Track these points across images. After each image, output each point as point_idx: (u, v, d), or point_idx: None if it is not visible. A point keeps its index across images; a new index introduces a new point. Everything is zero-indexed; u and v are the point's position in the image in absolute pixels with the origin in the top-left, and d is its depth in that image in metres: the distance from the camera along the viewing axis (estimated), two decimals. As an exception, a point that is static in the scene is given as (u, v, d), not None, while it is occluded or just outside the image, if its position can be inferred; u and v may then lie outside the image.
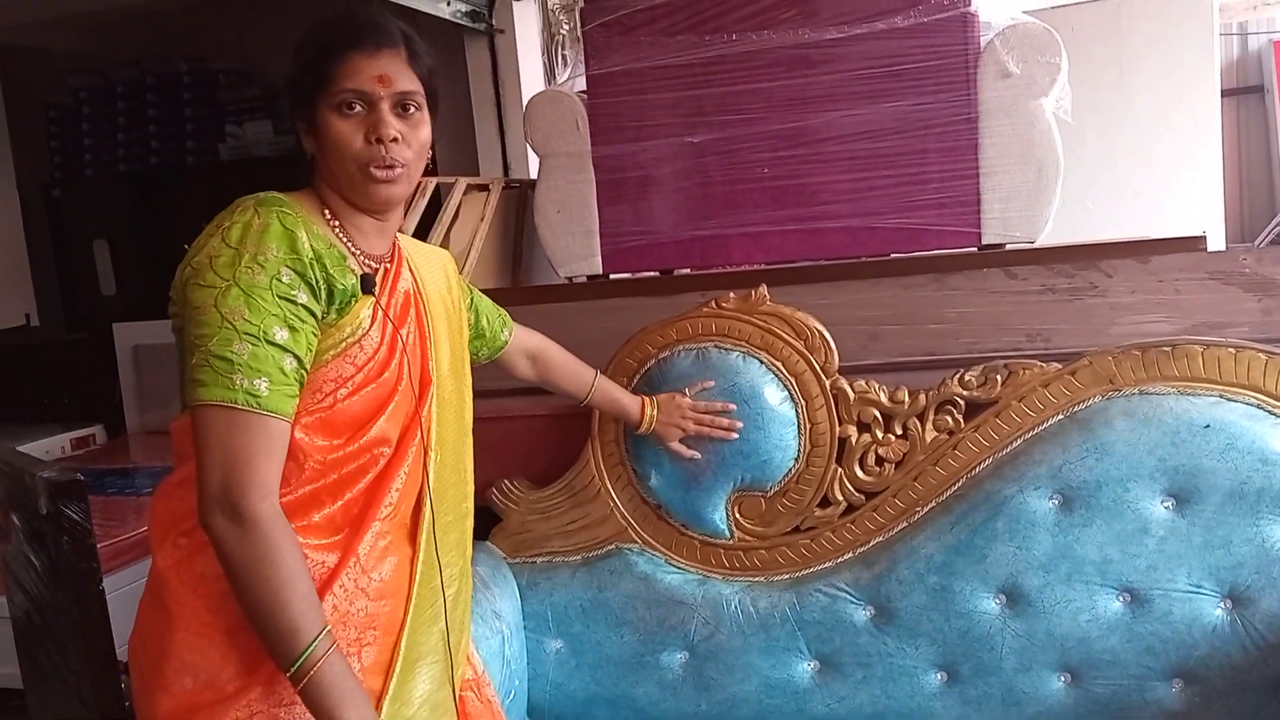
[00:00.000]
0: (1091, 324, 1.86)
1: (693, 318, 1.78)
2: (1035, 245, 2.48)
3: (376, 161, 1.15)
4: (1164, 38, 3.52)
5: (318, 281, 1.11)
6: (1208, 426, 1.55)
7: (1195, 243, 2.19)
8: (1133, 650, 1.58)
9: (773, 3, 2.62)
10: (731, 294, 1.76)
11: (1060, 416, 1.63)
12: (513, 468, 1.91)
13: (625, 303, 2.27)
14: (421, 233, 2.68)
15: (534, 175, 3.70)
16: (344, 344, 1.15)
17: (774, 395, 1.72)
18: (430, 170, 4.10)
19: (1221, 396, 1.56)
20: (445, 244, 2.75)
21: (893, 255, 2.60)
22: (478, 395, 2.10)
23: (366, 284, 1.17)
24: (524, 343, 1.64)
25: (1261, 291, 1.81)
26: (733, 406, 1.71)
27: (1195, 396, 1.57)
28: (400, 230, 1.33)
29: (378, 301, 1.19)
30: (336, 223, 1.19)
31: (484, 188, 3.00)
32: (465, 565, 1.35)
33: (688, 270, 2.87)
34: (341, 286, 1.13)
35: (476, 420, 1.97)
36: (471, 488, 1.39)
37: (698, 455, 1.72)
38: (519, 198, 3.18)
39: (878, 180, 2.57)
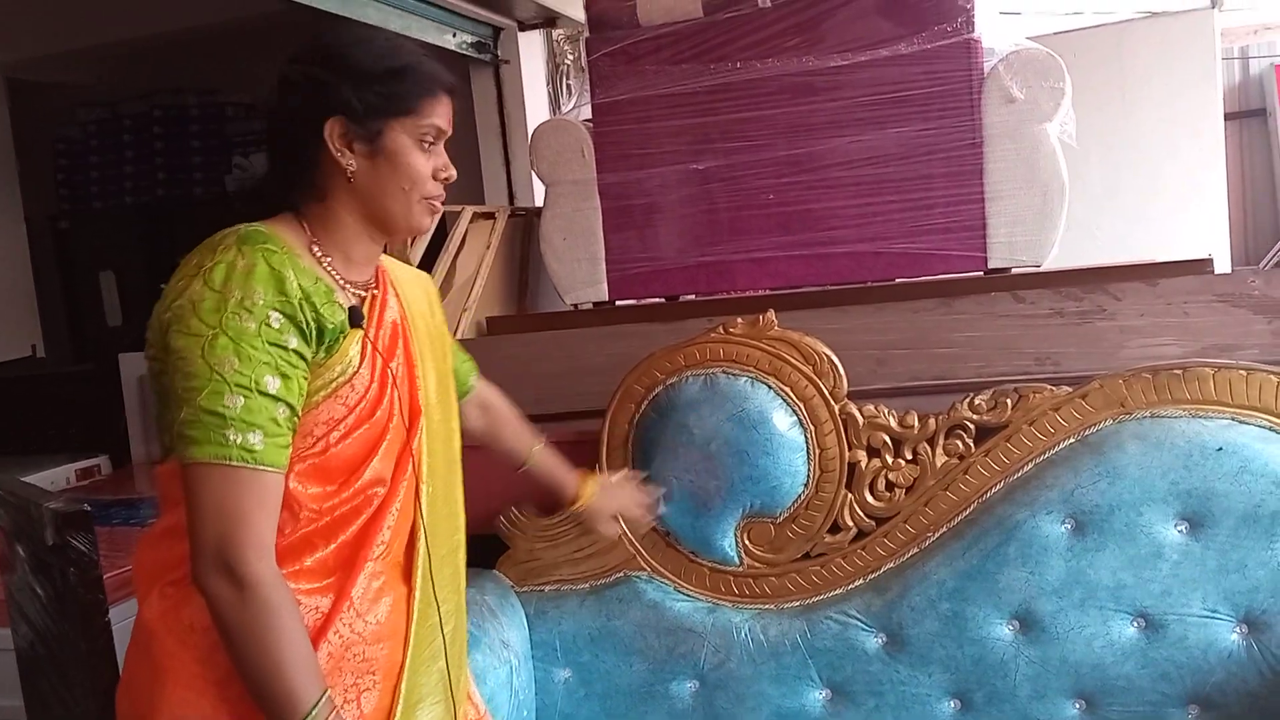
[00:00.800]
0: (1100, 347, 1.86)
1: (700, 343, 1.77)
2: (1042, 269, 2.48)
3: (437, 196, 1.18)
4: (1167, 63, 3.54)
5: (308, 323, 1.07)
6: (1220, 449, 1.53)
7: (1201, 265, 2.19)
8: (1148, 676, 1.56)
9: (777, 31, 2.64)
10: (739, 319, 1.76)
11: (1071, 440, 1.62)
12: (520, 494, 1.90)
13: (632, 329, 2.28)
14: (428, 261, 2.68)
15: (539, 203, 3.72)
16: (334, 384, 1.11)
17: (783, 421, 1.71)
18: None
19: (1234, 419, 1.55)
20: (452, 272, 2.75)
21: (898, 280, 2.60)
22: (485, 422, 2.11)
23: (355, 317, 1.13)
24: (481, 393, 1.61)
25: (1271, 313, 1.81)
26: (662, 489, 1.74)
27: (1207, 419, 1.56)
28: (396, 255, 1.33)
29: (366, 334, 1.15)
30: (324, 253, 1.15)
31: (490, 216, 3.01)
32: (460, 600, 1.31)
33: (693, 296, 2.87)
34: (331, 325, 1.09)
35: (484, 448, 1.98)
36: (463, 518, 1.35)
37: (618, 532, 1.74)
38: (525, 226, 3.19)
39: (883, 205, 2.58)
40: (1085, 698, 1.60)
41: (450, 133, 1.20)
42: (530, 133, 4.69)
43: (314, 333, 1.08)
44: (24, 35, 4.83)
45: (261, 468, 1.03)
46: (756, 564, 1.75)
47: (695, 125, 2.72)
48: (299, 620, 1.06)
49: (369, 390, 1.14)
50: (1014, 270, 2.51)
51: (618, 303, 2.86)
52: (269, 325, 1.04)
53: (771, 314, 1.75)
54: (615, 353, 2.13)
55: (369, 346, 1.15)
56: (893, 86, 2.56)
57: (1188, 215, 3.50)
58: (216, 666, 1.06)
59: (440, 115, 1.17)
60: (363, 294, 1.18)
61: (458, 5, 4.08)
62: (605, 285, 2.82)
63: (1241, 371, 1.56)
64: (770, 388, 1.73)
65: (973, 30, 2.52)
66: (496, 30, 4.49)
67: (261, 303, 1.04)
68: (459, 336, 2.70)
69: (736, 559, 1.76)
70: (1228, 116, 3.77)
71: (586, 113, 2.99)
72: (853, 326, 1.98)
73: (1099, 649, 1.57)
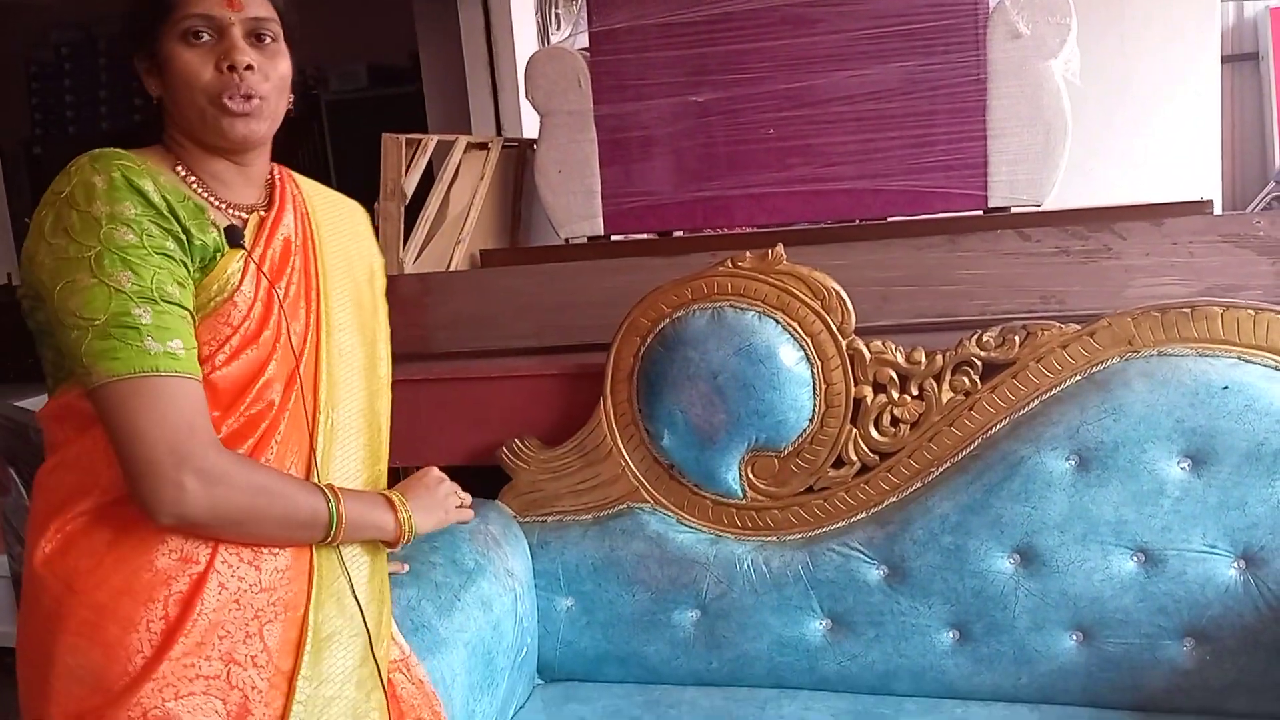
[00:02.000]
0: (1105, 286, 1.86)
1: (708, 277, 1.76)
2: (1042, 209, 2.47)
3: (230, 91, 1.06)
4: (1165, 3, 3.51)
5: (180, 234, 1.04)
6: (1226, 388, 1.54)
7: (1200, 207, 2.19)
8: (1145, 610, 1.59)
9: (779, -40, 2.59)
10: (748, 253, 1.74)
11: (1078, 377, 1.63)
12: (522, 427, 1.90)
13: (631, 263, 2.25)
14: (421, 192, 2.63)
15: (527, 134, 3.66)
16: (212, 303, 1.07)
17: (789, 355, 1.71)
18: (423, 128, 4.04)
19: (1240, 358, 1.56)
20: (445, 204, 2.71)
21: (898, 218, 2.59)
22: (486, 354, 2.10)
23: (233, 236, 1.09)
24: None
25: (1275, 255, 1.81)
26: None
27: (1214, 358, 1.57)
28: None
29: (249, 254, 1.10)
30: (191, 175, 1.11)
31: (483, 146, 2.96)
32: None
33: (680, 232, 2.84)
34: (200, 241, 1.05)
35: (486, 379, 1.97)
36: (385, 450, 1.29)
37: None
38: (517, 157, 3.14)
39: (884, 142, 2.56)
40: (1083, 630, 1.62)
41: (240, 14, 1.08)
42: (518, 62, 4.62)
43: (188, 247, 1.05)
44: (-8, -48, 4.67)
45: (190, 375, 1.01)
46: (759, 497, 1.76)
47: (694, 56, 2.67)
48: (261, 464, 1.09)
49: (253, 309, 1.10)
50: (1014, 209, 2.50)
51: (612, 237, 2.83)
52: (150, 235, 1.01)
53: (780, 248, 1.74)
54: (615, 286, 2.11)
55: (251, 265, 1.10)
56: (896, 20, 2.53)
57: (1181, 158, 3.49)
58: (101, 610, 1.03)
59: (203, 1, 1.07)
60: (244, 215, 1.14)
61: (446, -72, 3.97)
62: (600, 219, 2.78)
63: (1250, 311, 1.57)
64: (778, 322, 1.72)
65: (977, -36, 2.48)
66: (485, -44, 4.38)
67: (134, 214, 1.00)
68: (452, 268, 2.66)
69: (740, 492, 1.76)
70: (1222, 60, 3.74)
71: (582, 41, 2.93)
72: (857, 263, 1.96)
73: (1098, 583, 1.60)
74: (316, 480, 1.15)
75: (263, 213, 1.17)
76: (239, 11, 1.08)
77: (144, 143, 1.13)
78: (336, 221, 1.27)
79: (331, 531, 1.12)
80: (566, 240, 2.87)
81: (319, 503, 1.11)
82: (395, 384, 1.96)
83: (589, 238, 2.82)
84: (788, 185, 2.64)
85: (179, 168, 1.11)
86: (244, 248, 1.10)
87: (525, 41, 4.63)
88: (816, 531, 1.74)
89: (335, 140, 4.92)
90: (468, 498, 1.38)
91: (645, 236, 2.88)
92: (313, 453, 1.15)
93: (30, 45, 5.30)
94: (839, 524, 1.73)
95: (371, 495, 1.21)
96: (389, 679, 1.23)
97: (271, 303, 1.12)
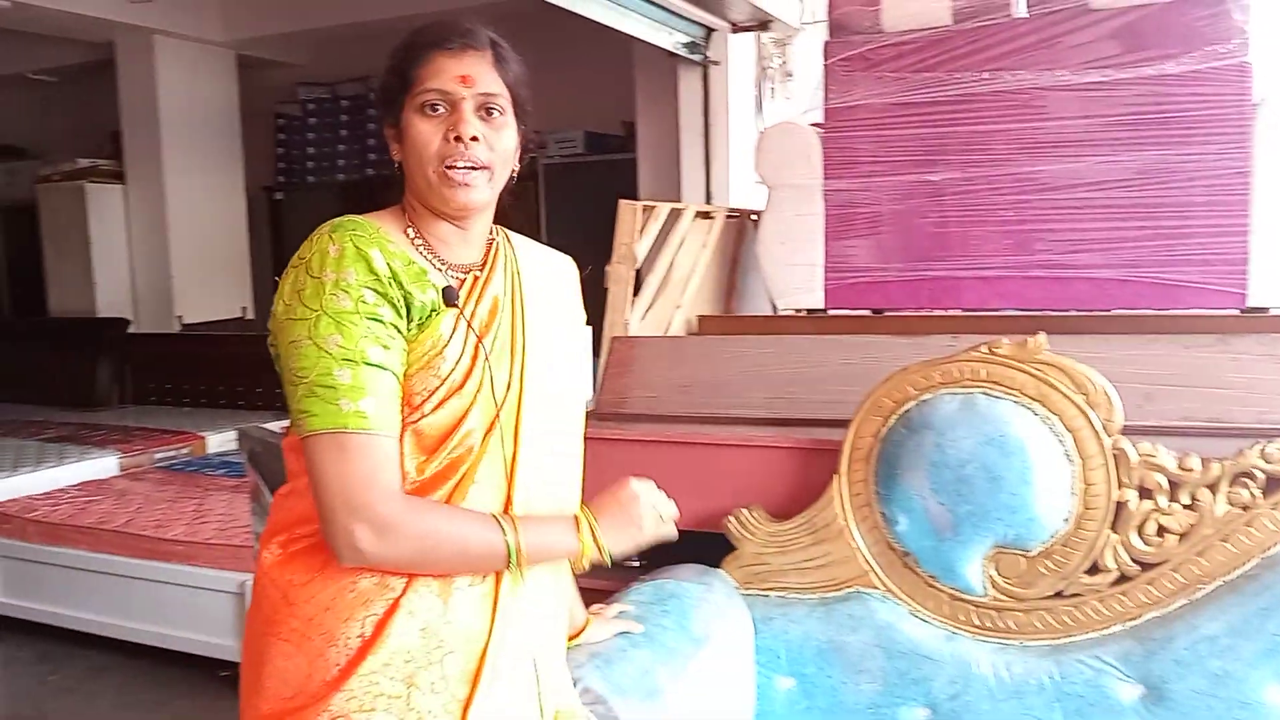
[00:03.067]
0: (1403, 402, 1.70)
1: (960, 361, 1.70)
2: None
3: (454, 160, 1.15)
4: None
5: (398, 299, 1.13)
6: None
7: None
8: None
9: (1030, 42, 2.53)
10: (1005, 340, 1.68)
11: (1378, 501, 1.48)
12: (750, 497, 1.87)
13: (862, 341, 2.20)
14: (649, 257, 2.67)
15: (737, 205, 3.69)
16: (425, 357, 1.15)
17: (1046, 450, 1.62)
18: (633, 194, 4.16)
19: None
20: (670, 270, 2.75)
21: (1143, 311, 2.45)
22: (715, 420, 2.10)
23: (449, 296, 1.17)
24: None
25: None
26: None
27: None
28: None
29: (461, 312, 1.18)
30: (419, 236, 1.19)
31: (708, 215, 2.99)
32: (558, 584, 1.30)
33: (881, 310, 2.77)
34: (420, 302, 1.14)
35: (716, 446, 1.96)
36: (576, 498, 1.30)
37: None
38: (736, 228, 3.17)
39: (1134, 231, 2.45)
40: (1371, 782, 1.46)
41: (472, 90, 1.16)
42: (731, 134, 4.69)
43: (405, 308, 1.13)
44: (254, 14, 5.12)
45: (376, 433, 1.10)
46: (1002, 596, 1.67)
47: (932, 135, 2.64)
48: (442, 505, 1.15)
49: (459, 362, 1.17)
50: (1274, 311, 2.34)
51: (830, 311, 2.80)
52: (364, 302, 1.10)
53: (1043, 336, 1.67)
54: (846, 362, 2.08)
55: (462, 322, 1.18)
56: (1154, 107, 2.43)
57: None
58: (308, 622, 1.13)
59: (440, 77, 1.15)
60: (461, 275, 1.21)
61: (677, 5, 4.10)
62: (821, 292, 2.76)
63: None
64: (1035, 414, 1.64)
65: (1247, 53, 2.36)
66: (709, 31, 4.49)
67: (355, 282, 1.10)
68: (669, 332, 2.69)
69: (980, 589, 1.67)
70: None
71: (812, 117, 2.94)
72: (1115, 357, 1.86)
73: (1394, 731, 1.43)
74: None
75: (478, 272, 1.24)
76: (471, 88, 1.17)
77: (387, 201, 1.24)
78: (544, 278, 1.33)
79: (513, 561, 1.16)
80: (776, 311, 2.86)
81: (494, 537, 1.15)
82: (624, 442, 2.00)
83: (806, 310, 2.80)
84: (1025, 270, 2.55)
85: (409, 229, 1.20)
86: (458, 306, 1.18)
87: (740, 114, 4.70)
88: (1064, 640, 1.63)
89: (550, 201, 5.10)
90: (672, 510, 1.32)
91: (861, 312, 2.84)
92: (510, 496, 1.21)
93: (278, 99, 5.75)
94: (1090, 634, 1.62)
95: (555, 520, 1.23)
96: None
97: (477, 355, 1.19)
